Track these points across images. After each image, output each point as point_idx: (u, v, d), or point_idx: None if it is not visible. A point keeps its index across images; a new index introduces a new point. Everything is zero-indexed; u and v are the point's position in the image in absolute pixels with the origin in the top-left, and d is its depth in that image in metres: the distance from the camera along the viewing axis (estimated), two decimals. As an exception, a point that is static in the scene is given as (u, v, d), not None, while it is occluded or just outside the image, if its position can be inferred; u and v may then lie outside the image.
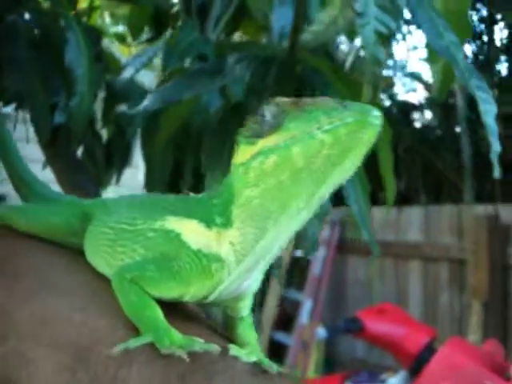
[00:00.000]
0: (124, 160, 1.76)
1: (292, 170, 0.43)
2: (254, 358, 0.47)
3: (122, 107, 1.58)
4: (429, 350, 2.44)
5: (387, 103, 5.54)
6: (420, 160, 5.04)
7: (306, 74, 1.07)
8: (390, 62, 5.34)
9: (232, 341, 0.53)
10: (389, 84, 5.55)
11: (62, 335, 0.47)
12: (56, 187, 0.74)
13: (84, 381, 0.44)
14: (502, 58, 4.80)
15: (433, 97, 5.39)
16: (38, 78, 1.10)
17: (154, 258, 0.49)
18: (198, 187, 1.22)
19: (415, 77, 5.72)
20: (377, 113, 0.42)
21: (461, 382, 2.27)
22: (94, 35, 1.35)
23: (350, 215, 1.19)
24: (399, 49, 6.22)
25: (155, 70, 2.22)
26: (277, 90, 0.99)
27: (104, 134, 1.69)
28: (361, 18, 0.90)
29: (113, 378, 0.43)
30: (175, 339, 0.45)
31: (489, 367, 2.29)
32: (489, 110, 0.97)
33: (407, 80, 5.98)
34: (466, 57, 1.00)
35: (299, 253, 4.11)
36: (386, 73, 5.32)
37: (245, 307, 0.54)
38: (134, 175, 3.12)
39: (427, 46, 1.20)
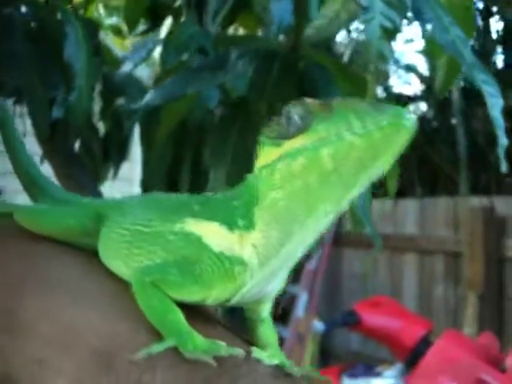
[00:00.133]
0: (122, 154, 1.75)
1: (320, 173, 0.42)
2: (276, 361, 0.47)
3: (120, 101, 1.57)
4: (425, 343, 2.45)
5: (382, 95, 5.53)
6: (415, 152, 5.04)
7: (309, 69, 1.06)
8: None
9: (251, 342, 0.52)
10: (384, 76, 5.55)
11: (82, 340, 0.46)
12: (54, 181, 0.73)
13: None
14: (499, 50, 4.80)
15: (428, 89, 5.39)
16: (35, 72, 1.09)
17: (176, 261, 0.48)
18: (196, 183, 1.22)
19: (411, 69, 5.72)
20: (411, 115, 0.41)
21: (457, 374, 2.29)
22: (92, 28, 1.34)
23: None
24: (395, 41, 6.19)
25: (153, 64, 2.21)
26: (280, 86, 0.98)
27: (101, 127, 1.67)
28: (366, 13, 0.89)
29: None
30: (199, 343, 0.44)
31: (484, 360, 2.31)
32: (495, 104, 0.97)
33: (402, 72, 5.98)
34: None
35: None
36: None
37: (266, 309, 0.53)
38: (131, 169, 3.11)
39: (430, 40, 1.19)
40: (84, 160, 1.54)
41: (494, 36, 4.82)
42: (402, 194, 4.62)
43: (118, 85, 1.48)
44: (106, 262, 0.55)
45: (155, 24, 1.75)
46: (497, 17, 4.80)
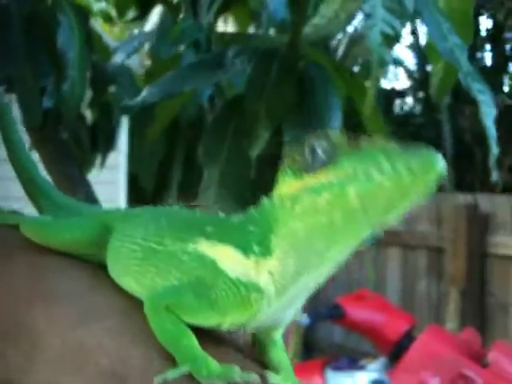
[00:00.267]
0: (110, 143, 1.74)
1: (345, 210, 0.41)
2: None
3: (111, 89, 1.55)
4: (408, 338, 2.48)
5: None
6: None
7: (308, 69, 1.06)
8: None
9: (264, 364, 0.52)
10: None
11: (93, 361, 0.45)
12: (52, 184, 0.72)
13: None
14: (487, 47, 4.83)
15: (416, 84, 5.41)
16: (26, 60, 1.07)
17: (191, 284, 0.48)
18: (188, 180, 1.21)
19: (398, 63, 5.73)
20: (440, 158, 0.40)
21: (439, 369, 2.31)
22: (83, 15, 1.32)
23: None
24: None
25: (141, 53, 2.19)
26: (279, 86, 0.97)
27: (87, 114, 1.66)
28: (368, 20, 0.89)
29: None
30: (213, 369, 0.44)
31: (466, 355, 2.33)
32: (489, 113, 0.97)
33: (390, 67, 5.98)
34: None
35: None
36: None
37: (278, 333, 0.53)
38: (116, 158, 3.09)
39: (429, 45, 1.19)
40: (72, 148, 1.52)
41: (484, 33, 4.85)
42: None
43: (110, 74, 1.47)
44: (115, 277, 0.54)
45: (145, 11, 1.73)
46: (487, 14, 4.83)
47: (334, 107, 0.99)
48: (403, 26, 0.92)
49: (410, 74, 5.70)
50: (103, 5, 2.20)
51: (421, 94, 5.36)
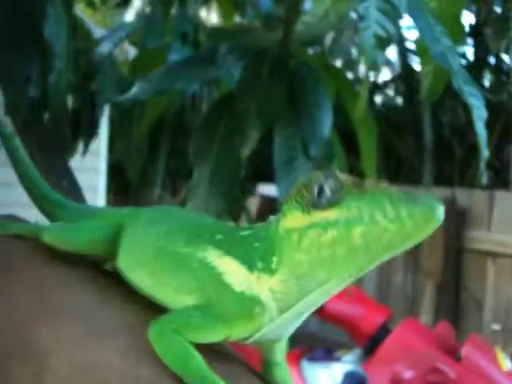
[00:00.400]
0: (92, 131, 1.73)
1: (349, 248, 0.44)
2: None
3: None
4: (384, 330, 2.50)
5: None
6: (381, 140, 5.08)
7: (298, 69, 1.05)
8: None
9: (267, 380, 0.53)
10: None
11: (103, 382, 0.45)
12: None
13: None
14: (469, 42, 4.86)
15: (397, 77, 5.43)
16: (13, 49, 1.04)
17: (198, 299, 0.49)
18: (173, 173, 1.20)
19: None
20: (442, 209, 0.43)
21: (413, 362, 2.35)
22: (67, 2, 1.29)
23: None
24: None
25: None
26: (270, 87, 0.97)
27: (69, 101, 1.64)
28: (362, 22, 0.88)
29: None
30: None
31: (441, 349, 2.37)
32: (480, 116, 0.98)
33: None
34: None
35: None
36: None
37: (281, 350, 0.53)
38: (97, 144, 3.08)
39: (420, 47, 1.19)
40: (54, 135, 1.51)
41: (467, 29, 4.87)
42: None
43: (95, 63, 1.45)
44: (126, 271, 0.55)
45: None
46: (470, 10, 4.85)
47: (324, 107, 0.99)
48: (396, 28, 0.92)
49: (391, 67, 5.72)
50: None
51: (402, 88, 5.39)
